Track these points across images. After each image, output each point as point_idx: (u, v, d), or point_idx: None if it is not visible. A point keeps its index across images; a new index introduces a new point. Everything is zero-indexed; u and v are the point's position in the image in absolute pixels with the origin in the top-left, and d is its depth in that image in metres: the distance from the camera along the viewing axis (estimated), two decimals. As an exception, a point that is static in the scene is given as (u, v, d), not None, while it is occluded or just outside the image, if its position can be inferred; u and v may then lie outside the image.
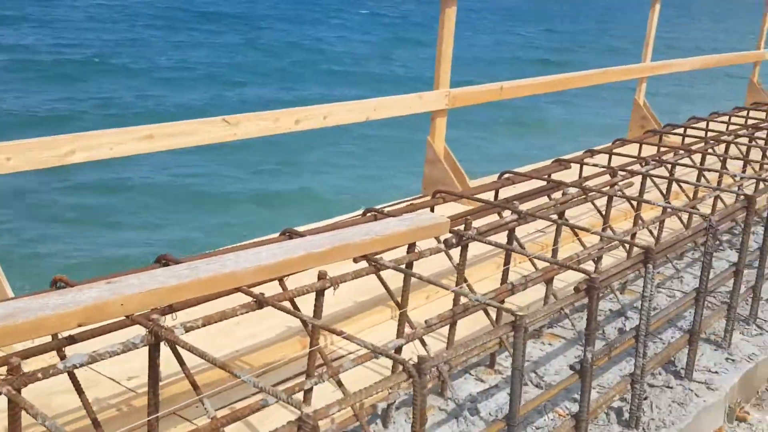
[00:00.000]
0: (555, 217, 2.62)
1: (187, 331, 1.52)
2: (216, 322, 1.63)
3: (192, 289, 1.62)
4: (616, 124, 11.17)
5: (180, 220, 9.13)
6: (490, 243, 2.25)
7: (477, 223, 2.35)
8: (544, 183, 2.99)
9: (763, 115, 5.23)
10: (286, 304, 1.81)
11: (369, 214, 2.44)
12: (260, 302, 1.71)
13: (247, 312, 1.70)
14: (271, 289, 1.84)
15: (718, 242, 3.64)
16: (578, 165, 3.38)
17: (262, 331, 2.44)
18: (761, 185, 3.29)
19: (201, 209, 9.52)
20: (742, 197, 2.80)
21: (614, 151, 3.70)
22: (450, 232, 2.18)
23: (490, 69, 20.54)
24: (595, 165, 3.39)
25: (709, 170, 3.69)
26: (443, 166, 4.10)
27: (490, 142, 13.60)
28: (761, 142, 4.26)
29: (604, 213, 3.07)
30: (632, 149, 3.94)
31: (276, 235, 2.27)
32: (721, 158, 3.86)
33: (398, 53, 24.85)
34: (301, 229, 2.31)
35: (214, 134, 3.00)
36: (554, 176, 3.08)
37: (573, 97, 16.06)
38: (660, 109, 6.24)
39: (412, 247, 2.10)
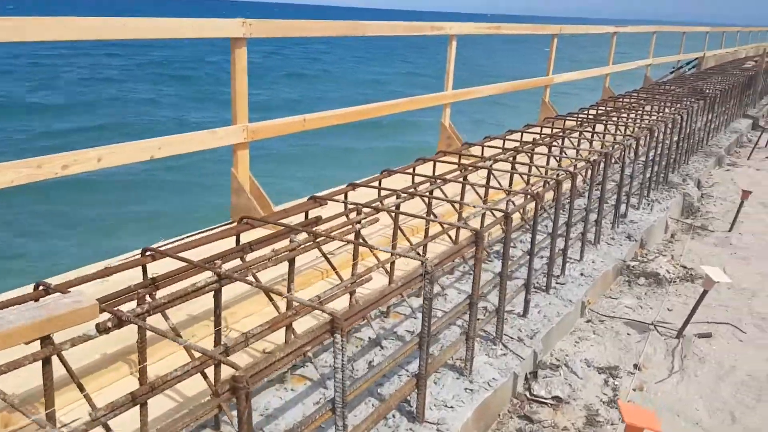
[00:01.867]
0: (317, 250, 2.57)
1: None
2: None
3: None
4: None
5: None
6: (166, 318, 1.99)
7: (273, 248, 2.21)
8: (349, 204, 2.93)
9: (548, 130, 5.64)
10: None
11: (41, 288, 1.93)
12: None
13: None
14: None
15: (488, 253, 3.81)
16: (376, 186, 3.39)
17: None
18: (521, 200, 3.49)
19: None
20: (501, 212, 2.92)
21: (416, 169, 3.78)
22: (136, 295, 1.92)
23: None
24: (384, 188, 3.42)
25: (482, 185, 3.87)
26: (247, 195, 4.02)
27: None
28: (545, 151, 4.58)
29: (399, 231, 3.08)
30: (428, 168, 4.05)
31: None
32: (511, 171, 4.08)
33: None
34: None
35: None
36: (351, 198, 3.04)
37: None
38: (488, 130, 6.58)
39: (45, 340, 1.63)
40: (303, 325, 2.70)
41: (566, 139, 4.95)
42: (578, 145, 5.33)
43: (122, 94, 24.10)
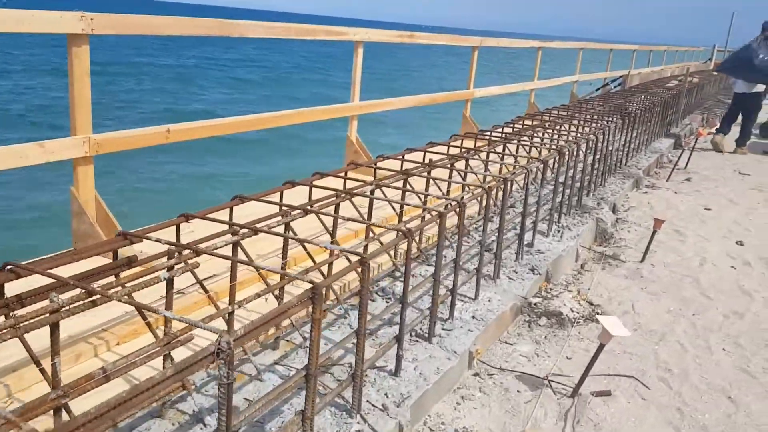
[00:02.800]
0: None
1: None
2: None
3: None
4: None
5: None
6: None
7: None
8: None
9: (471, 143, 5.23)
10: None
11: None
12: None
13: None
14: None
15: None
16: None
17: None
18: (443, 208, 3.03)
19: None
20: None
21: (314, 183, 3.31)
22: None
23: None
24: (273, 203, 2.89)
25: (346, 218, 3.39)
26: (89, 219, 3.41)
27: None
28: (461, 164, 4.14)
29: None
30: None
31: None
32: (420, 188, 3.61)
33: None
34: None
35: None
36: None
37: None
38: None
39: None
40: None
41: (486, 154, 4.52)
42: (486, 166, 4.93)
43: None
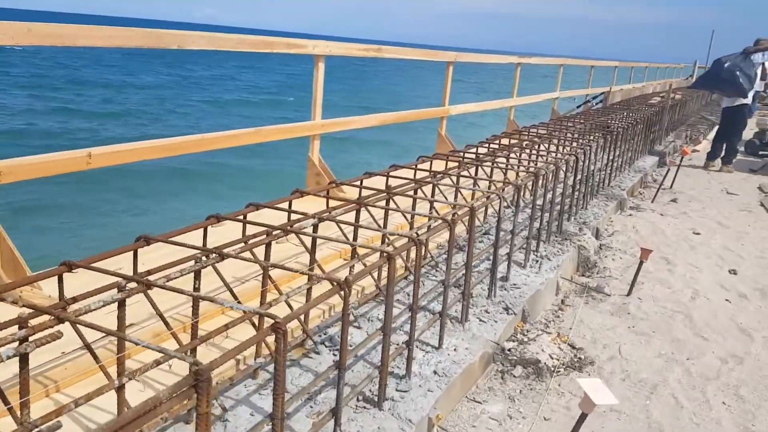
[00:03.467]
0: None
1: None
2: None
3: None
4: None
5: None
6: None
7: None
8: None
9: (441, 165, 4.77)
10: None
11: None
12: None
13: None
14: None
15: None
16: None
17: None
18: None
19: None
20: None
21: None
22: None
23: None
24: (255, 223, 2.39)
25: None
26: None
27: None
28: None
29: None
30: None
31: None
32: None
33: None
34: None
35: None
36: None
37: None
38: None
39: None
40: None
41: (456, 178, 4.05)
42: (457, 192, 4.47)
43: None
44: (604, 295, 4.55)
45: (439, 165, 4.68)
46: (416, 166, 4.47)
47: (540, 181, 4.40)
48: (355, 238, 3.25)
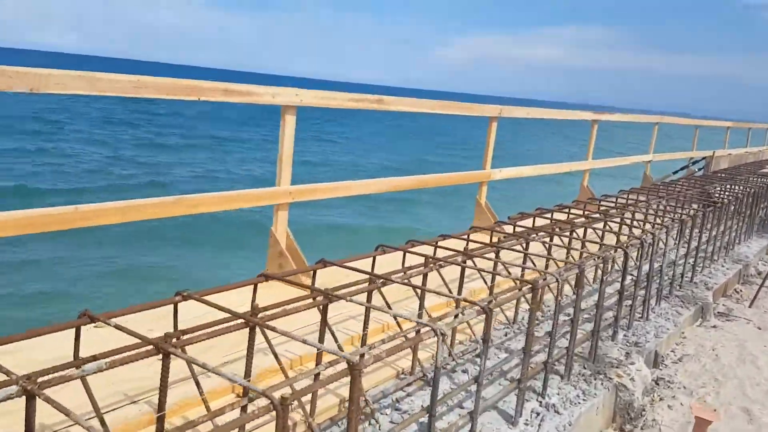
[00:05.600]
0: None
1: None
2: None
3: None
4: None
5: None
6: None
7: None
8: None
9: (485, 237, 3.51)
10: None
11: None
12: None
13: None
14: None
15: None
16: None
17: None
18: None
19: None
20: None
21: None
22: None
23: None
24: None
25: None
26: None
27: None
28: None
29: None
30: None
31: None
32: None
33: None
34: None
35: None
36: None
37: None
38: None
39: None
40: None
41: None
42: (461, 283, 3.13)
43: None
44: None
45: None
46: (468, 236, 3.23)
47: (578, 284, 3.00)
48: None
